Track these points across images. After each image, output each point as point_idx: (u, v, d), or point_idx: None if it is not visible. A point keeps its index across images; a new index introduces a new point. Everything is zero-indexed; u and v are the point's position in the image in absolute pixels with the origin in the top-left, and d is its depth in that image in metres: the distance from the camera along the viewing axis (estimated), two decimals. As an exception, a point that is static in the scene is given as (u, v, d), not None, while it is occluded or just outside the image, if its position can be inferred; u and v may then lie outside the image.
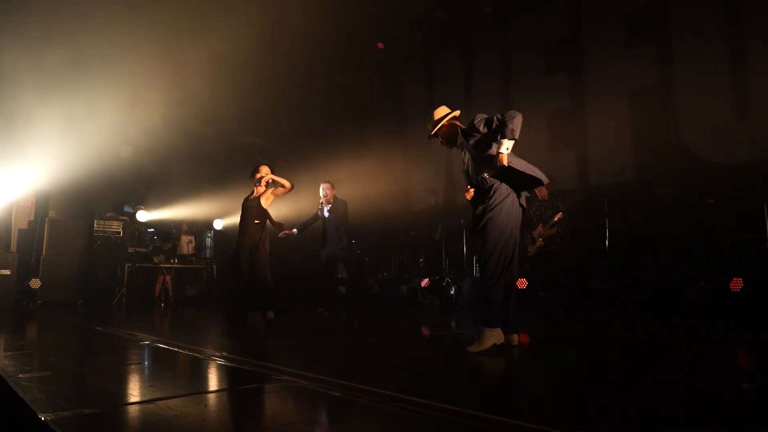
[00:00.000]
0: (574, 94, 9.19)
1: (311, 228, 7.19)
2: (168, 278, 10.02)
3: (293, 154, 11.45)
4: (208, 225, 11.45)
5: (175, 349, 3.76)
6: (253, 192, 5.29)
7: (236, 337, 4.43)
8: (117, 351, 3.90)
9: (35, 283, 8.79)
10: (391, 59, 11.86)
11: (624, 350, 3.73)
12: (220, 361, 3.21)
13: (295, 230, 6.62)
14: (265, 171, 5.21)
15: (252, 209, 5.11)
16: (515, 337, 3.49)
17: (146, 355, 3.66)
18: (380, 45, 10.59)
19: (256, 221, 5.05)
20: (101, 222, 9.75)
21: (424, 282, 8.89)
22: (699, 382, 2.55)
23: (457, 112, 3.86)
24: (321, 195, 7.08)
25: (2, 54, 8.37)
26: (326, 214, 7.02)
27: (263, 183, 5.19)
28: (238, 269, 4.97)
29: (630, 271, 7.09)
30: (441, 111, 3.83)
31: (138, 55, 9.31)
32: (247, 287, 4.92)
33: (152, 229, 11.05)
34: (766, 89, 7.10)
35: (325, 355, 3.59)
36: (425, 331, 5.10)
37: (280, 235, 6.27)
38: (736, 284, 5.47)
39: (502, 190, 3.53)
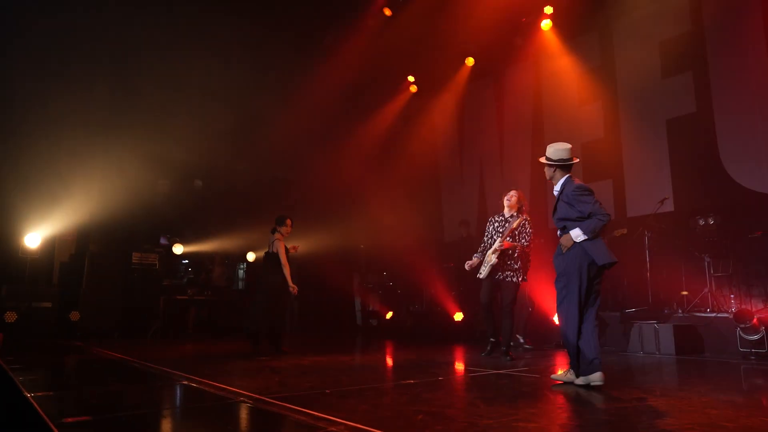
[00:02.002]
0: (607, 124, 9.07)
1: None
2: (201, 310, 10.10)
3: (324, 188, 11.56)
4: (241, 257, 11.56)
5: (206, 389, 3.74)
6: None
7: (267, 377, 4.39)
8: (152, 392, 3.90)
9: (75, 316, 8.97)
10: (422, 91, 11.94)
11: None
12: (263, 407, 3.16)
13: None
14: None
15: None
16: None
17: (178, 397, 3.64)
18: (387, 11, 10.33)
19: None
20: (138, 254, 9.95)
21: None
22: None
23: (576, 160, 4.03)
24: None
25: (49, 93, 8.75)
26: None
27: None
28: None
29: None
30: (552, 149, 3.99)
31: (174, 92, 9.63)
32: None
33: (186, 261, 11.23)
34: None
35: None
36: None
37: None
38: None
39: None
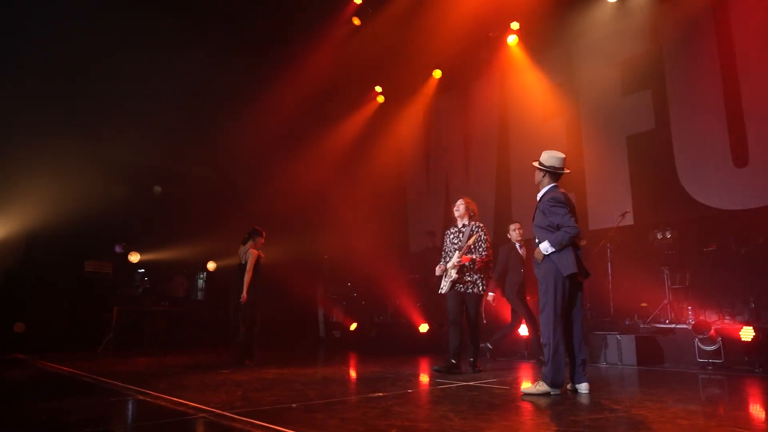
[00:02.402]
0: (571, 139, 9.27)
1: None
2: (158, 322, 9.70)
3: (288, 196, 11.37)
4: (201, 266, 11.20)
5: (164, 404, 3.53)
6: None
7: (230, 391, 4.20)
8: (104, 408, 3.66)
9: (19, 327, 8.46)
10: (389, 102, 11.94)
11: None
12: (218, 420, 2.99)
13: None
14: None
15: None
16: None
17: (132, 414, 3.43)
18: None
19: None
20: (91, 263, 9.50)
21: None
22: None
23: (567, 170, 4.08)
24: (516, 234, 6.65)
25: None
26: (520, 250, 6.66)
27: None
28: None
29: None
30: (547, 156, 4.07)
31: (133, 97, 9.30)
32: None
33: (142, 270, 10.80)
34: (764, 135, 7.18)
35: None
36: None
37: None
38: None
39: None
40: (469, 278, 5.36)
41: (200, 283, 11.42)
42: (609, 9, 8.72)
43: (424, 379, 5.06)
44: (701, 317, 5.84)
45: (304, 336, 11.41)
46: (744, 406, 3.56)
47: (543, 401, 3.55)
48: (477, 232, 5.43)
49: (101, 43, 8.79)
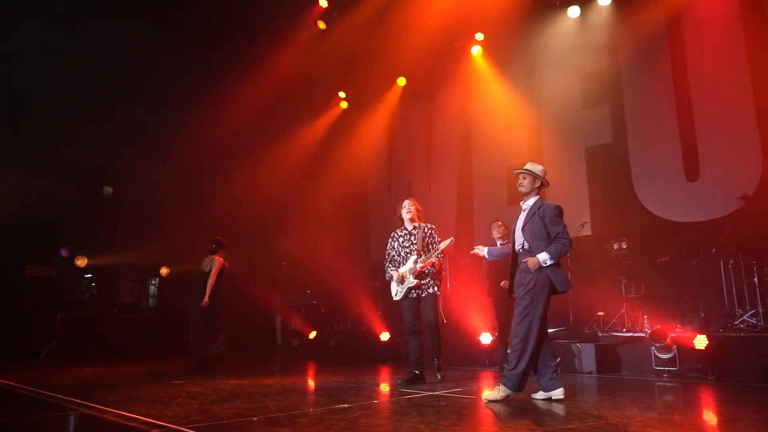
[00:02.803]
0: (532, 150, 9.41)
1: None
2: (105, 329, 9.20)
3: (247, 201, 11.08)
4: (153, 271, 10.74)
5: (112, 419, 3.29)
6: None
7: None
8: (44, 424, 3.38)
9: (-50, 335, 7.86)
10: (352, 108, 11.85)
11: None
12: (174, 436, 2.79)
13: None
14: None
15: None
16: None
17: (76, 430, 3.17)
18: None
19: None
20: (33, 267, 8.95)
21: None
22: None
23: (546, 185, 4.13)
24: (497, 232, 6.33)
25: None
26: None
27: None
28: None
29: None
30: (539, 167, 4.11)
31: (85, 93, 8.85)
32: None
33: (90, 275, 10.26)
34: (713, 150, 7.49)
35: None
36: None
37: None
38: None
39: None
40: (423, 282, 5.17)
41: (152, 289, 10.94)
42: (571, 24, 8.94)
43: (389, 389, 4.94)
44: (657, 326, 5.97)
45: (261, 344, 11.10)
46: (706, 413, 3.62)
47: (508, 409, 3.51)
48: (430, 233, 5.29)
49: (49, 36, 8.33)
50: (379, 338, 8.54)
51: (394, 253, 5.35)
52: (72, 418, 3.48)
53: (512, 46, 9.57)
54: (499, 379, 3.92)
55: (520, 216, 4.09)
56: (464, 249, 7.04)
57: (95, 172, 9.99)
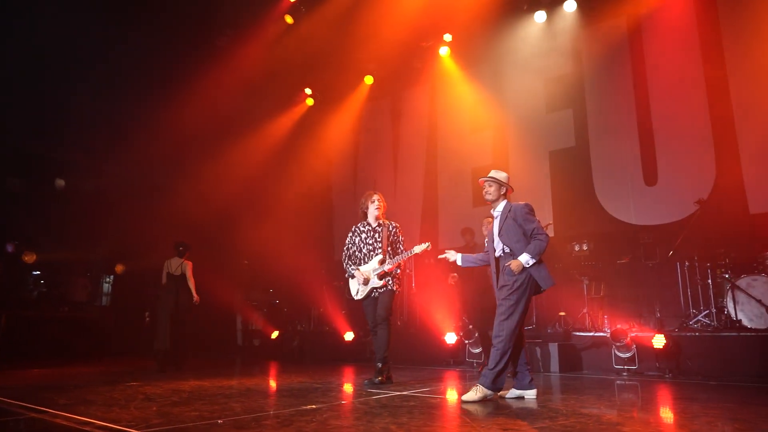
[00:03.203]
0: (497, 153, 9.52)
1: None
2: (55, 329, 8.76)
3: (207, 198, 10.78)
4: (106, 269, 10.30)
5: (64, 423, 3.09)
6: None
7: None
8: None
9: None
10: (318, 105, 11.70)
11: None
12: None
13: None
14: None
15: None
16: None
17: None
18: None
19: None
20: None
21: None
22: None
23: (510, 190, 4.19)
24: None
25: None
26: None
27: None
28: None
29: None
30: (503, 174, 4.14)
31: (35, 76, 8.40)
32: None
33: (38, 272, 9.74)
34: (670, 156, 7.75)
35: (259, 426, 3.10)
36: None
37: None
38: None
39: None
40: (383, 280, 4.99)
41: (106, 287, 10.49)
42: (537, 29, 9.08)
43: (355, 389, 4.86)
44: (617, 325, 6.11)
45: (221, 345, 10.80)
46: (669, 411, 3.70)
47: (482, 409, 3.50)
48: (395, 232, 5.12)
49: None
50: (344, 338, 8.44)
51: (354, 248, 5.15)
52: (20, 423, 3.26)
53: (480, 49, 9.65)
54: (470, 379, 3.90)
55: (494, 223, 4.15)
56: (430, 254, 7.03)
57: (46, 163, 9.49)
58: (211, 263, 10.33)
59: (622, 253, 7.71)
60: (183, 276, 7.04)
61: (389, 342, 4.96)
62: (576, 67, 8.82)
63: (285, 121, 11.65)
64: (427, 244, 4.86)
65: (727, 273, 6.22)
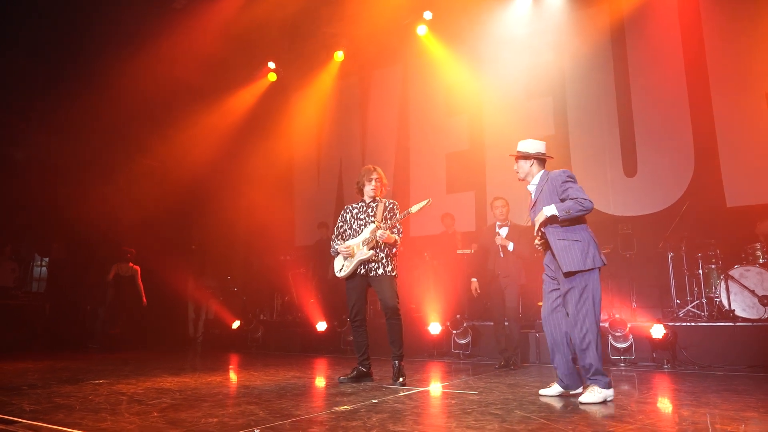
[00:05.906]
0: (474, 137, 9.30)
1: None
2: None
3: (157, 177, 9.83)
4: (40, 250, 9.14)
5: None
6: None
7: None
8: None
9: None
10: (282, 81, 10.98)
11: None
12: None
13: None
14: None
15: None
16: None
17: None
18: None
19: None
20: None
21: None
22: None
23: (552, 157, 3.79)
24: (499, 212, 5.62)
25: None
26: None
27: None
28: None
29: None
30: (531, 144, 3.74)
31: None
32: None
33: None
34: (650, 148, 7.82)
35: None
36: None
37: None
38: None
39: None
40: (374, 257, 4.34)
41: (38, 271, 9.32)
42: (520, 15, 8.91)
43: (374, 385, 4.40)
44: (616, 315, 6.04)
45: (169, 335, 9.92)
46: (684, 400, 3.55)
47: (482, 403, 3.18)
48: (392, 207, 4.47)
49: None
50: (315, 328, 7.92)
51: (346, 226, 4.53)
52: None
53: (460, 30, 9.37)
54: (456, 371, 3.56)
55: (531, 200, 3.77)
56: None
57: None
58: (159, 245, 9.47)
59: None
60: (132, 278, 8.36)
61: (401, 335, 4.38)
62: (557, 54, 8.72)
63: (245, 96, 10.86)
64: (427, 200, 4.21)
65: (713, 264, 6.31)
